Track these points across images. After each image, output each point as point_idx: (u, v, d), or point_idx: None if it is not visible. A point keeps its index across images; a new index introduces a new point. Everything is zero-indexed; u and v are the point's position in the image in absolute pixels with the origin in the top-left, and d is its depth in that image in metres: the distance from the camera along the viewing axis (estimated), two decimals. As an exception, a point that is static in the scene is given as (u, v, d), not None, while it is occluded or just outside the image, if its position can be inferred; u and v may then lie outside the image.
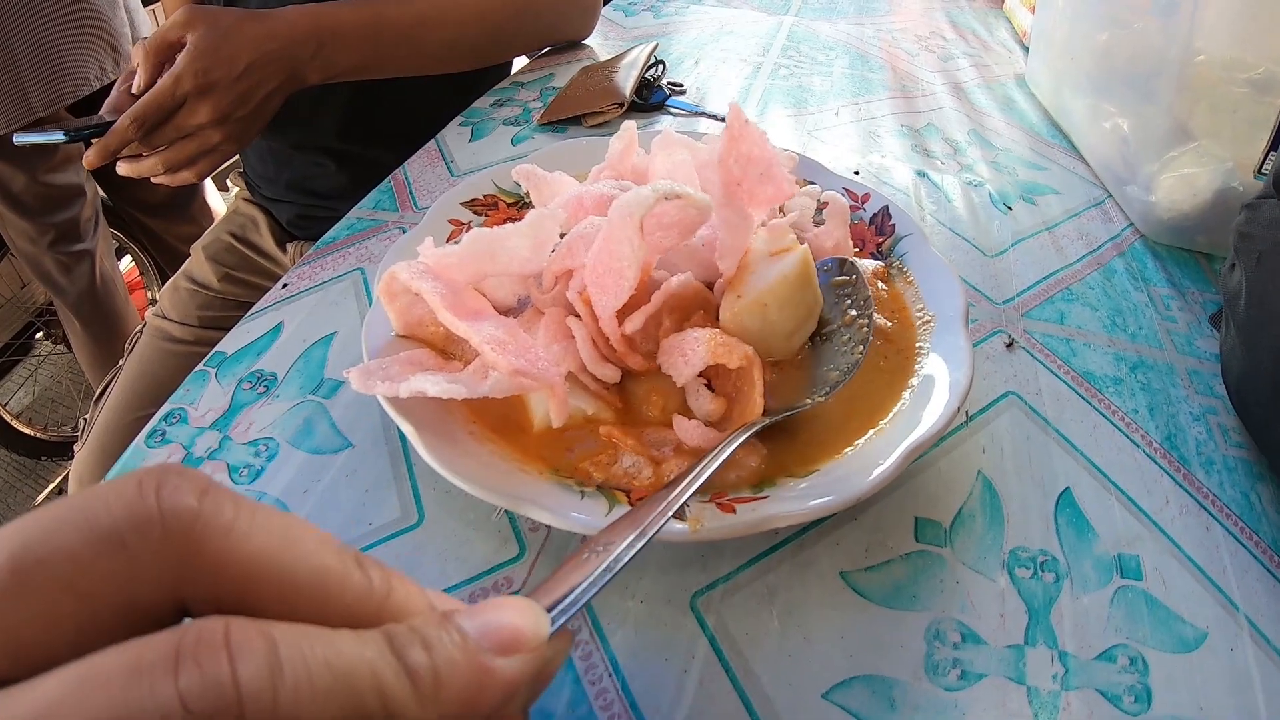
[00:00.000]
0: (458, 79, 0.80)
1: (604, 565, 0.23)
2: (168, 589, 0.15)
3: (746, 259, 0.41)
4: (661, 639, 0.35)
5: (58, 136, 0.64)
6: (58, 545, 0.14)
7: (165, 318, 0.92)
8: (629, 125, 0.50)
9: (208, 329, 0.90)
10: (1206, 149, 0.60)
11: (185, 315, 0.91)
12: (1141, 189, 0.64)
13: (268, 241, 0.94)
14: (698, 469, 0.32)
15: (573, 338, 0.39)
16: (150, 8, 1.44)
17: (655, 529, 0.27)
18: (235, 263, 0.94)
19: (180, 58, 0.62)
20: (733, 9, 1.09)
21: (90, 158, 0.63)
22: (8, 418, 1.61)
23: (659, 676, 0.33)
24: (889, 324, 0.45)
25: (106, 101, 0.66)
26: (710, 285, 0.42)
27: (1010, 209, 0.66)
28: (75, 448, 0.89)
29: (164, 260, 1.63)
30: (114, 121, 0.62)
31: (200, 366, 0.48)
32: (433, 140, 0.71)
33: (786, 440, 0.39)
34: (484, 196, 0.53)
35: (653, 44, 0.84)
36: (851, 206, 0.52)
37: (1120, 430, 0.47)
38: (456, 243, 0.39)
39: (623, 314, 0.38)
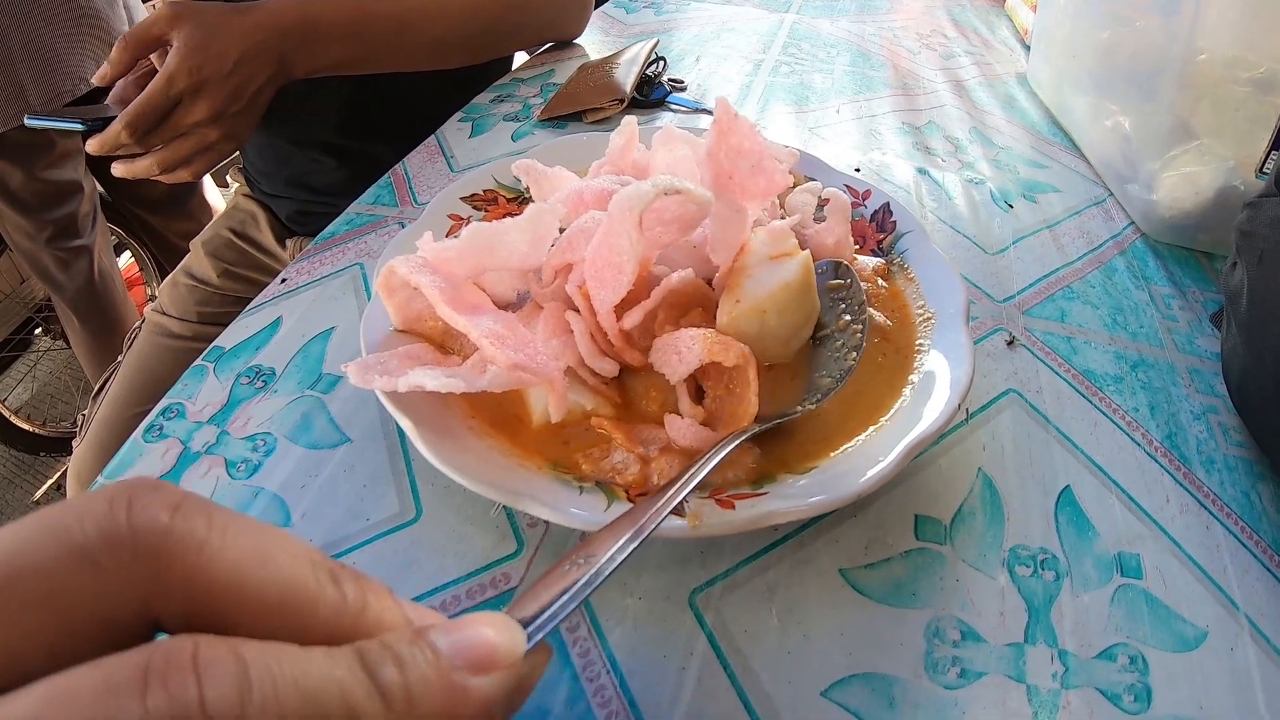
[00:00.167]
0: (457, 75, 0.79)
1: (584, 579, 0.23)
2: (140, 606, 0.15)
3: (745, 261, 0.41)
4: (660, 636, 0.35)
5: (75, 125, 0.63)
6: (31, 562, 0.14)
7: (164, 313, 0.92)
8: (629, 120, 0.49)
9: (207, 325, 0.90)
10: (1208, 148, 0.60)
11: (184, 311, 0.91)
12: (1143, 187, 0.64)
13: (267, 237, 0.93)
14: (684, 478, 0.31)
15: (572, 332, 0.38)
16: (150, 3, 1.44)
17: (637, 541, 0.26)
18: (234, 259, 0.93)
19: (170, 57, 0.61)
20: (734, 6, 1.09)
21: (92, 146, 0.62)
22: (6, 413, 1.61)
23: (657, 674, 0.33)
24: (889, 321, 0.45)
25: (112, 92, 0.66)
26: (710, 282, 0.42)
27: (1011, 207, 0.66)
28: (74, 443, 0.89)
29: (163, 256, 1.63)
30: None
31: (198, 361, 0.47)
32: (433, 136, 0.71)
33: (786, 437, 0.39)
34: (484, 192, 0.53)
35: (653, 40, 0.84)
36: (853, 203, 0.52)
37: (1121, 429, 0.46)
38: (456, 237, 0.38)
39: (621, 309, 0.38)
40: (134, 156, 0.65)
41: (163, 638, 0.15)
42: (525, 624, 0.20)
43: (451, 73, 0.79)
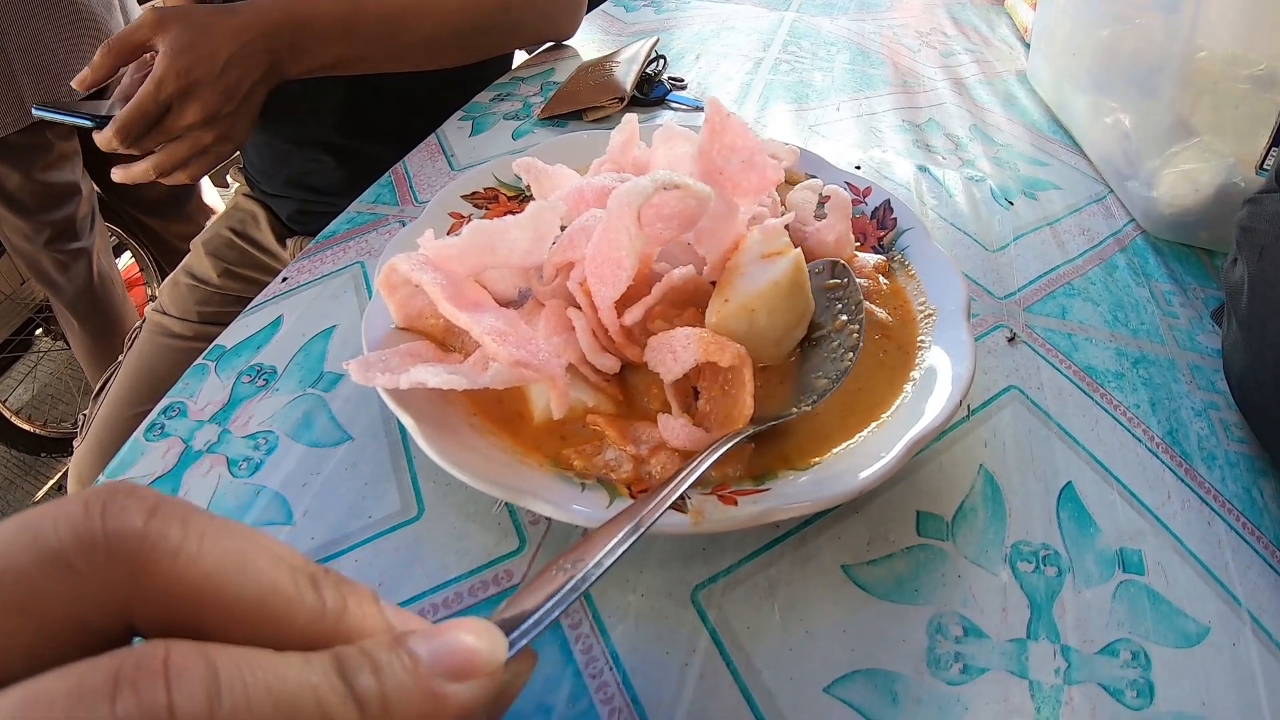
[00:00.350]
0: (456, 75, 0.79)
1: (570, 584, 0.23)
2: (116, 610, 0.15)
3: (737, 260, 0.41)
4: (662, 632, 0.35)
5: (85, 122, 0.63)
6: (6, 566, 0.14)
7: (165, 313, 0.92)
8: (630, 118, 0.49)
9: (207, 324, 0.90)
10: (1208, 145, 0.60)
11: (185, 311, 0.91)
12: (1143, 185, 0.64)
13: (267, 237, 0.93)
14: (676, 481, 0.31)
15: (573, 330, 0.38)
16: (146, 5, 1.44)
17: (625, 546, 0.26)
18: (235, 258, 0.93)
19: (158, 61, 0.61)
20: (734, 4, 1.09)
21: (99, 141, 0.62)
22: (7, 414, 1.61)
23: (660, 670, 0.33)
24: (890, 318, 0.45)
25: (116, 90, 0.66)
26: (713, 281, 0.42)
27: (1011, 204, 0.66)
28: (74, 443, 0.89)
29: (161, 258, 1.62)
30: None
31: (200, 360, 0.47)
32: (433, 135, 0.71)
33: (787, 434, 0.39)
34: (484, 190, 0.53)
35: (653, 39, 0.84)
36: (853, 200, 0.52)
37: (1122, 425, 0.46)
38: (457, 235, 0.38)
39: (622, 305, 0.38)
40: (131, 160, 0.65)
41: (138, 643, 0.15)
42: (508, 630, 0.20)
43: (450, 72, 0.79)
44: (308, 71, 0.69)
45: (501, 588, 0.36)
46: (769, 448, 0.38)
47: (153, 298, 1.64)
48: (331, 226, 0.58)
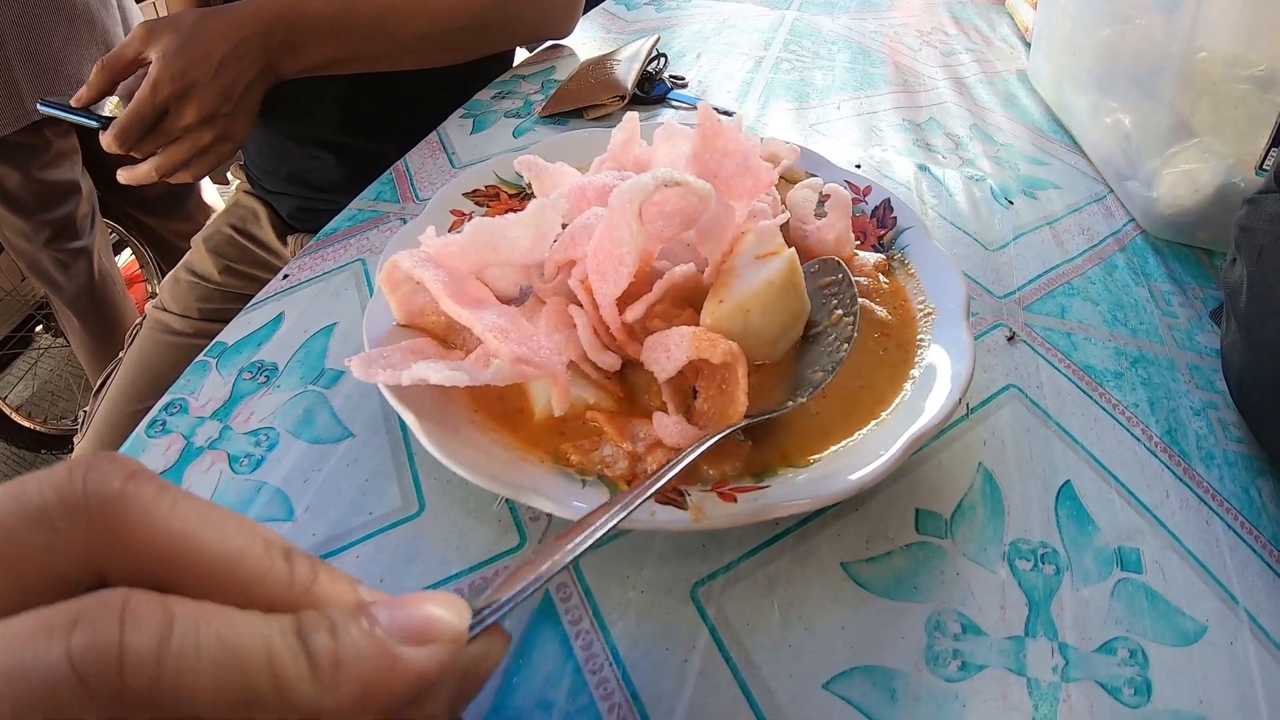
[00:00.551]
0: (457, 72, 0.79)
1: (545, 567, 0.23)
2: (90, 565, 0.16)
3: (733, 262, 0.41)
4: (662, 629, 0.35)
5: (91, 121, 0.63)
6: None
7: (165, 310, 0.92)
8: (631, 116, 0.49)
9: (208, 321, 0.90)
10: (1208, 145, 0.60)
11: (185, 308, 0.91)
12: (1143, 185, 0.64)
13: (268, 234, 0.93)
14: (664, 471, 0.32)
15: (574, 327, 0.38)
16: (143, 4, 1.44)
17: (601, 532, 0.26)
18: (235, 255, 0.93)
19: (153, 65, 0.61)
20: (735, 3, 1.09)
21: (105, 141, 0.63)
22: (8, 410, 1.61)
23: (660, 666, 0.33)
24: (890, 317, 0.45)
25: (123, 85, 0.66)
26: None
27: (1011, 203, 0.66)
28: (75, 440, 0.89)
29: (161, 257, 1.62)
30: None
31: (201, 357, 0.48)
32: (434, 132, 0.71)
33: (787, 431, 0.39)
34: (486, 187, 0.53)
35: (654, 37, 0.84)
36: (853, 199, 0.52)
37: (1121, 424, 0.47)
38: (458, 233, 0.39)
39: (623, 302, 0.38)
40: (134, 161, 0.65)
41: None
42: (482, 607, 0.20)
43: (451, 70, 0.79)
44: (303, 70, 0.69)
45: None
46: (769, 445, 0.38)
47: (153, 294, 1.63)
48: (333, 224, 0.59)
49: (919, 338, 0.44)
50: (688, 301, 0.41)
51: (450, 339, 0.42)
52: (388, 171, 0.65)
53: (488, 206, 0.52)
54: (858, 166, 0.68)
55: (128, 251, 1.71)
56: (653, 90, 0.78)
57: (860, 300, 0.43)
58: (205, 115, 0.63)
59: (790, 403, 0.38)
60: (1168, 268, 0.61)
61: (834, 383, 0.40)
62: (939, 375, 0.40)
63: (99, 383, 0.90)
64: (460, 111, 0.75)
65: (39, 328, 1.76)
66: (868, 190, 0.54)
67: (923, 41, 1.01)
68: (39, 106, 0.65)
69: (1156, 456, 0.45)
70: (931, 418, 0.37)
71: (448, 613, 0.18)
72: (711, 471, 0.36)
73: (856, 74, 0.89)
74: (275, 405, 0.44)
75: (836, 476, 0.35)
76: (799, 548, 0.38)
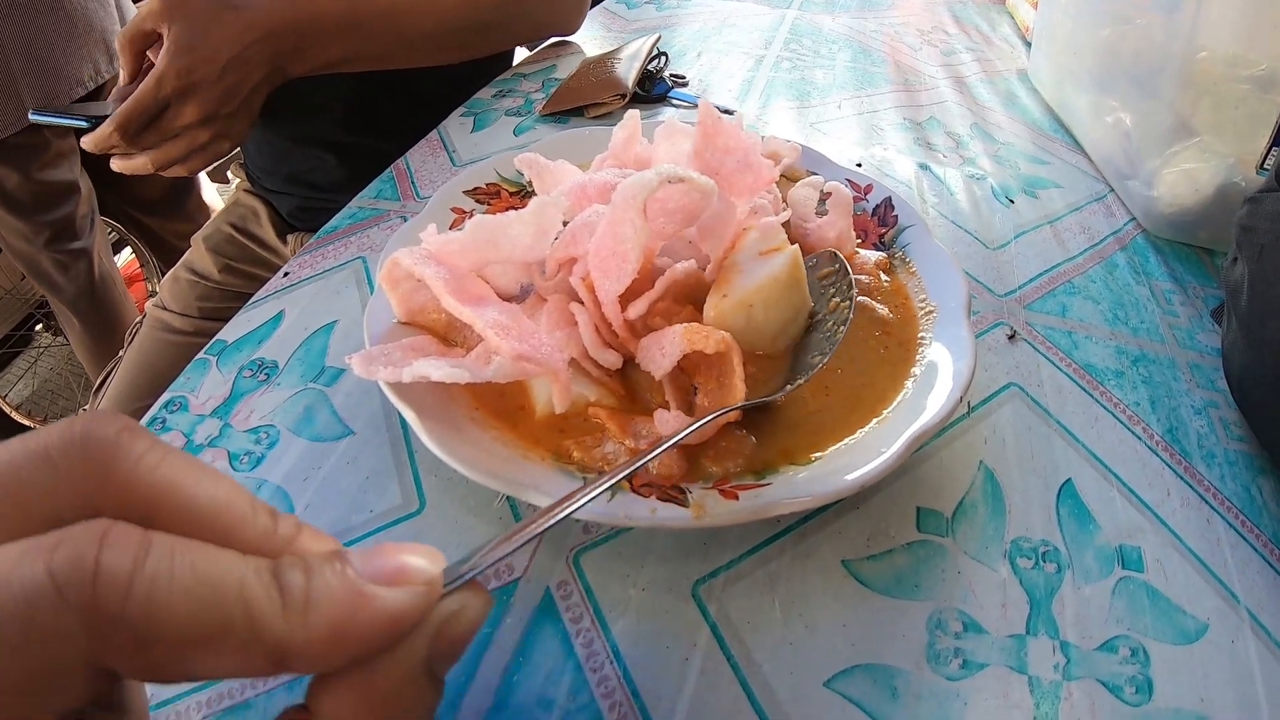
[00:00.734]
0: (458, 71, 0.79)
1: (527, 529, 0.23)
2: (85, 504, 0.16)
3: (735, 258, 0.41)
4: (663, 627, 0.35)
5: (81, 122, 0.63)
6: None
7: (165, 309, 0.92)
8: (632, 114, 0.49)
9: (208, 320, 0.90)
10: (1209, 145, 0.60)
11: (185, 306, 0.91)
12: (1143, 184, 0.64)
13: (268, 233, 0.93)
14: (650, 452, 0.31)
15: (575, 324, 0.38)
16: (139, 4, 1.43)
17: (586, 500, 0.26)
18: (235, 254, 0.93)
19: (160, 58, 0.61)
20: (735, 2, 1.09)
21: (86, 143, 0.62)
22: (8, 409, 1.61)
23: (661, 664, 0.33)
24: (891, 315, 0.45)
25: (113, 92, 0.66)
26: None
27: (1012, 202, 0.66)
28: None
29: (160, 257, 1.62)
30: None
31: (201, 355, 0.47)
32: (435, 130, 0.71)
33: (788, 428, 0.39)
34: (486, 185, 0.53)
35: (655, 36, 0.84)
36: (854, 198, 0.52)
37: (1122, 423, 0.47)
38: (459, 230, 0.39)
39: (626, 299, 0.38)
40: (129, 153, 0.65)
41: None
42: (459, 568, 0.20)
43: (452, 69, 0.78)
44: (311, 70, 0.69)
45: (503, 581, 0.36)
46: (770, 442, 0.38)
47: (153, 293, 1.63)
48: (333, 222, 0.58)
49: (920, 336, 0.44)
50: (689, 298, 0.41)
51: (451, 336, 0.42)
52: (388, 170, 0.65)
53: (488, 204, 0.52)
54: (858, 165, 0.68)
55: (128, 250, 1.71)
56: (653, 89, 0.78)
57: (861, 298, 0.43)
58: (206, 115, 0.63)
59: (789, 385, 0.38)
60: (1168, 267, 0.61)
61: (835, 381, 0.40)
62: (940, 373, 0.40)
63: (99, 381, 0.90)
64: (461, 110, 0.75)
65: (39, 326, 1.76)
66: (869, 188, 0.54)
67: (923, 41, 1.01)
68: (31, 117, 0.65)
69: (1157, 455, 0.45)
70: (932, 416, 0.37)
71: (422, 560, 0.19)
72: (714, 468, 0.36)
73: (857, 73, 0.89)
74: (275, 403, 0.44)
75: (838, 474, 0.35)
76: (800, 546, 0.38)
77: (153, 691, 0.31)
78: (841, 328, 0.39)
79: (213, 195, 1.66)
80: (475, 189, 0.53)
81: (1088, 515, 0.41)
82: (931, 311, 0.45)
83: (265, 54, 0.64)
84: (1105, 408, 0.47)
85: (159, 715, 0.31)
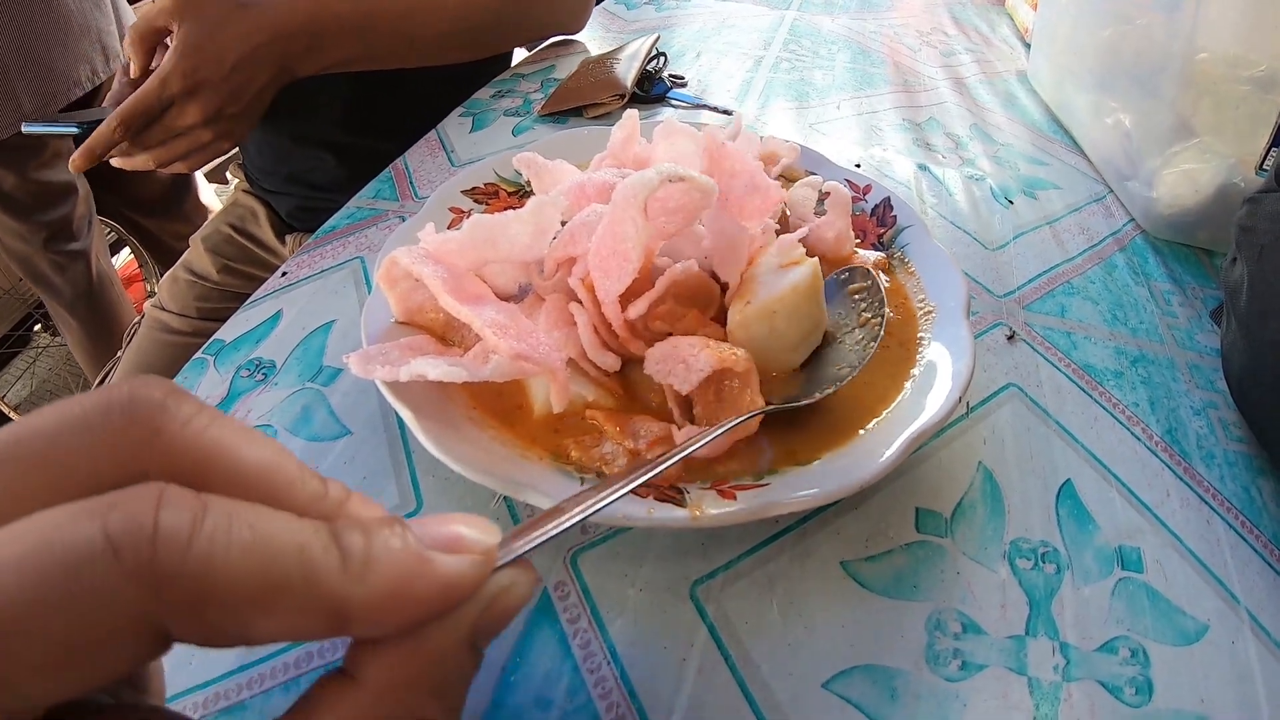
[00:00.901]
0: (458, 71, 0.79)
1: (576, 510, 0.23)
2: (130, 468, 0.16)
3: (754, 271, 0.41)
4: (661, 627, 0.35)
5: (70, 128, 0.63)
6: (38, 427, 0.16)
7: (164, 309, 0.92)
8: (631, 114, 0.49)
9: (206, 320, 0.90)
10: (1208, 145, 0.60)
11: (184, 307, 0.91)
12: (1143, 184, 0.64)
13: (267, 233, 0.93)
14: (684, 447, 0.32)
15: (574, 324, 0.38)
16: (137, 5, 1.43)
17: (630, 486, 0.26)
18: (234, 254, 0.93)
19: (167, 56, 0.60)
20: (734, 2, 1.09)
21: (75, 161, 0.61)
22: (6, 410, 1.60)
23: (658, 665, 0.33)
24: (891, 314, 0.45)
25: (109, 95, 0.66)
26: (713, 275, 0.42)
27: (1011, 203, 0.66)
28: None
29: (157, 258, 1.61)
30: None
31: (199, 354, 0.47)
32: (433, 130, 0.71)
33: (789, 429, 0.39)
34: (484, 185, 0.53)
35: (654, 36, 0.84)
36: (853, 198, 0.52)
37: (1121, 423, 0.47)
38: (457, 229, 0.38)
39: (626, 299, 0.37)
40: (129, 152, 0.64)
41: None
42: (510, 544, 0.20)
43: (452, 69, 0.78)
44: (319, 70, 0.69)
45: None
46: (775, 444, 0.38)
47: (152, 293, 1.63)
48: (331, 221, 0.58)
49: (919, 336, 0.44)
50: (691, 300, 0.41)
51: (449, 336, 0.42)
52: (386, 170, 0.65)
53: (487, 204, 0.52)
54: (857, 166, 0.68)
55: (126, 250, 1.70)
56: (652, 89, 0.77)
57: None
58: (209, 115, 0.63)
59: (817, 393, 0.38)
60: (1167, 267, 0.61)
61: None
62: (939, 374, 0.40)
63: (97, 382, 0.90)
64: (459, 110, 0.75)
65: (37, 327, 1.76)
66: (868, 189, 0.54)
67: (922, 42, 1.01)
68: (23, 129, 0.65)
69: (1157, 456, 0.45)
70: (931, 416, 0.37)
71: (477, 532, 0.19)
72: (721, 469, 0.36)
73: (856, 74, 0.89)
74: (273, 403, 0.44)
75: (836, 474, 0.35)
76: (799, 546, 0.38)
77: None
78: (872, 344, 0.38)
79: (210, 196, 1.66)
80: (473, 189, 0.53)
81: (1087, 516, 0.41)
82: (930, 312, 0.45)
83: (274, 55, 0.64)
84: (1104, 408, 0.47)
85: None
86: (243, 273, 0.93)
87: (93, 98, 1.22)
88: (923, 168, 0.70)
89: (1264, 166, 0.57)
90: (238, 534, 0.15)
